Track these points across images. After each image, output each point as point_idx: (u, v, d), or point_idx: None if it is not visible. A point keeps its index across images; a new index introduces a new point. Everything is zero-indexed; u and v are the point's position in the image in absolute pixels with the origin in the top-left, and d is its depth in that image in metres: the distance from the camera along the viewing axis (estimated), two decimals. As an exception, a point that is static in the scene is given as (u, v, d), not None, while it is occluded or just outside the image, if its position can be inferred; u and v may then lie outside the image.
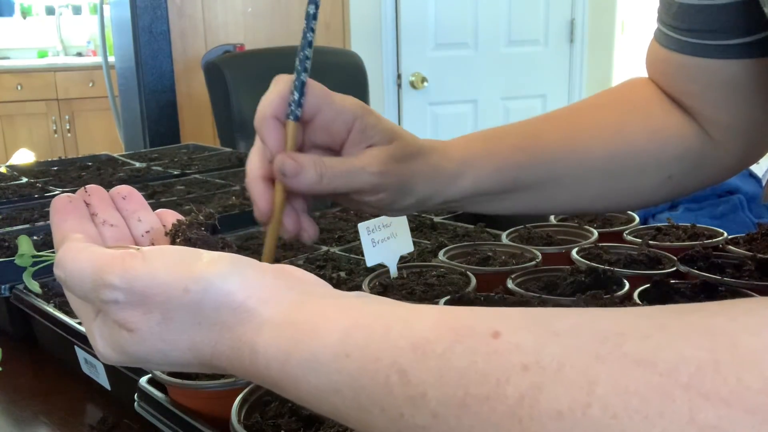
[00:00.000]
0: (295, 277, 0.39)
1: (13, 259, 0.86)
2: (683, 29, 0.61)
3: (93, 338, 0.41)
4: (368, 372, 0.32)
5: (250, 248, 0.95)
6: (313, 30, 0.55)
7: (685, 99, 0.65)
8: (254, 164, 0.56)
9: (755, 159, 0.68)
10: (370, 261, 0.74)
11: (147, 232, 0.48)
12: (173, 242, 0.47)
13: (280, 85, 0.55)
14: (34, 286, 0.53)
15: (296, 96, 0.54)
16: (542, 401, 0.27)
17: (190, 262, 0.38)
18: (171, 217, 0.50)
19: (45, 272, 0.85)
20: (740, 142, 0.65)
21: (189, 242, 0.47)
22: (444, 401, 0.29)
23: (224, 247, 0.47)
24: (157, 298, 0.37)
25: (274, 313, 0.36)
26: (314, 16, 0.54)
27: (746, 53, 0.59)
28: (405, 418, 0.30)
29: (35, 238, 0.99)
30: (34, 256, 0.49)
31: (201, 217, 0.50)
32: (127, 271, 0.37)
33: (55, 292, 0.83)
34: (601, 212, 0.70)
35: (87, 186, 0.48)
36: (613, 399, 0.25)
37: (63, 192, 1.23)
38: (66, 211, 0.45)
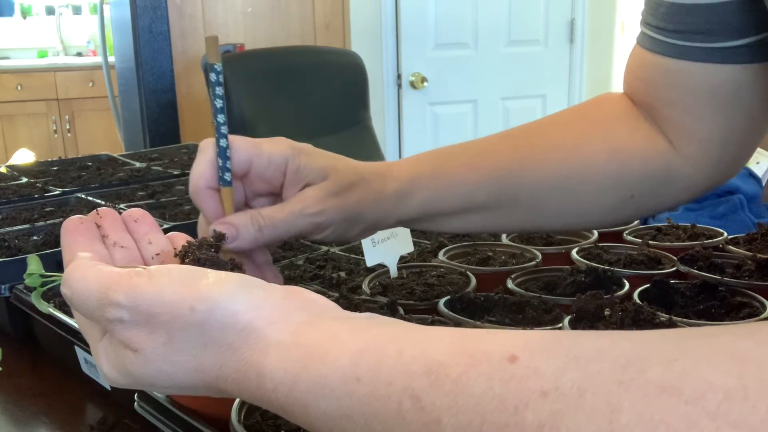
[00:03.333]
0: (305, 298, 0.38)
1: (13, 259, 0.86)
2: (670, 30, 0.60)
3: (99, 360, 0.41)
4: (380, 397, 0.31)
5: (250, 248, 0.95)
6: (221, 97, 0.55)
7: (663, 108, 0.64)
8: (198, 173, 0.56)
9: (727, 177, 0.67)
10: (370, 261, 0.74)
11: (157, 254, 0.48)
12: (182, 263, 0.47)
13: (207, 152, 0.56)
14: (44, 306, 0.52)
15: (221, 162, 0.55)
16: (563, 430, 0.26)
17: (196, 281, 0.37)
18: (181, 239, 0.50)
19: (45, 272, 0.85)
20: (713, 157, 0.64)
21: (198, 263, 0.46)
22: (460, 428, 0.28)
23: (233, 268, 0.47)
24: (162, 317, 0.36)
25: (282, 335, 0.35)
26: (218, 83, 0.55)
27: (732, 58, 0.58)
28: None
29: (35, 238, 0.99)
30: (42, 276, 0.49)
31: (210, 239, 0.51)
32: (133, 289, 0.37)
33: (55, 293, 0.83)
34: (562, 230, 0.69)
35: (99, 209, 0.48)
36: (638, 429, 0.24)
37: (63, 192, 1.24)
38: (77, 232, 0.45)
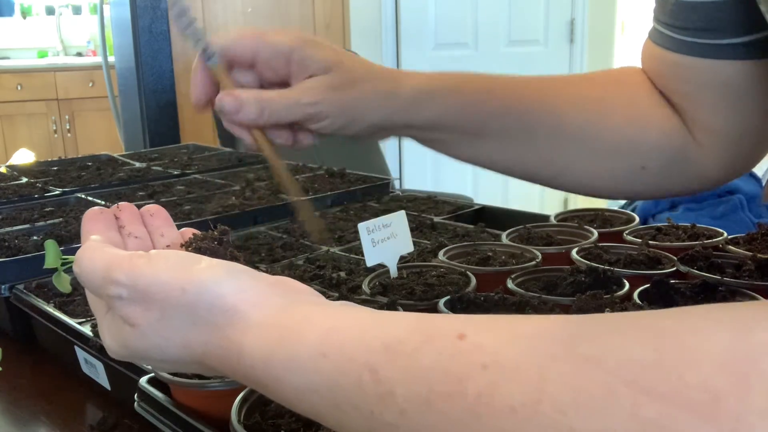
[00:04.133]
0: (289, 287, 0.41)
1: (14, 259, 0.86)
2: (678, 27, 0.60)
3: (102, 332, 0.44)
4: (343, 371, 0.33)
5: (250, 248, 0.95)
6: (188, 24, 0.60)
7: (679, 100, 0.64)
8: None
9: (741, 171, 0.67)
10: (370, 261, 0.74)
11: (168, 246, 0.51)
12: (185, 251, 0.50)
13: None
14: (64, 285, 0.57)
15: (201, 49, 0.59)
16: (497, 398, 0.28)
17: (189, 265, 0.40)
18: (191, 234, 0.53)
19: (45, 272, 0.85)
20: (729, 151, 0.64)
21: (198, 251, 0.49)
22: (410, 398, 0.31)
23: (232, 258, 0.49)
24: (157, 296, 0.39)
25: (262, 317, 0.37)
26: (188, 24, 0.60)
27: (741, 54, 0.58)
28: (375, 416, 0.32)
29: (35, 238, 0.99)
30: (61, 259, 0.54)
31: (215, 233, 0.54)
32: (132, 270, 0.40)
33: (55, 292, 0.83)
34: (571, 188, 0.70)
35: (120, 203, 0.52)
36: (562, 396, 0.27)
37: (63, 192, 1.24)
38: (96, 220, 0.49)
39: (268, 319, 0.37)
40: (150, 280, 0.39)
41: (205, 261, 0.41)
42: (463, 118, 0.63)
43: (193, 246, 0.50)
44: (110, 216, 0.50)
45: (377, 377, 0.32)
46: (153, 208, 0.53)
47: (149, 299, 0.39)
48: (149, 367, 0.52)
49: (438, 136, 0.65)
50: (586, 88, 0.66)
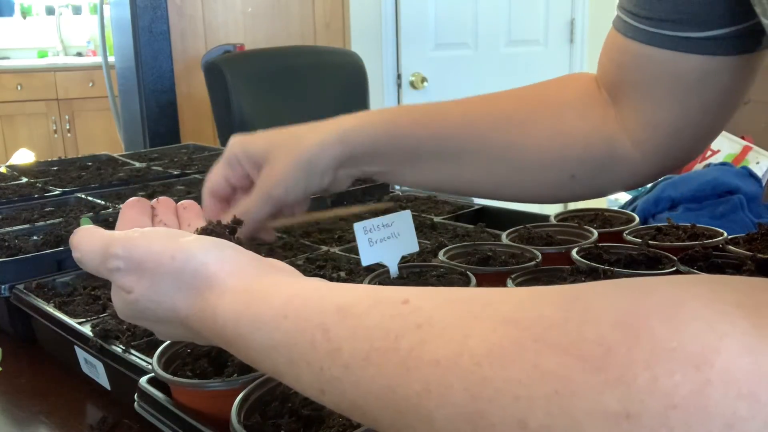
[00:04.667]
0: (269, 263, 0.45)
1: (14, 259, 0.86)
2: (643, 17, 0.61)
3: (113, 298, 0.49)
4: (300, 330, 0.37)
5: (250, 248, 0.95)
6: None
7: (628, 90, 0.65)
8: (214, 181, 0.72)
9: (675, 167, 0.69)
10: (366, 261, 0.74)
11: None
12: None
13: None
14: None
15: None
16: (425, 352, 0.32)
17: (179, 237, 0.45)
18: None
19: (45, 272, 0.85)
20: (663, 144, 0.66)
21: (204, 232, 0.55)
22: (354, 354, 0.34)
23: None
24: (149, 265, 0.44)
25: (237, 283, 0.42)
26: None
27: (699, 48, 0.59)
28: (323, 371, 0.35)
29: (35, 238, 0.99)
30: None
31: (228, 222, 0.59)
32: (128, 242, 0.45)
33: (55, 293, 0.83)
34: (515, 199, 0.77)
35: (160, 197, 0.60)
36: (479, 350, 0.30)
37: (63, 192, 1.24)
38: (133, 206, 0.56)
39: (241, 286, 0.41)
40: (144, 250, 0.44)
41: (194, 235, 0.46)
42: (394, 146, 0.70)
43: (201, 230, 0.56)
44: (147, 205, 0.57)
45: (328, 336, 0.36)
46: (187, 203, 0.61)
47: (142, 268, 0.44)
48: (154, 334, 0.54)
49: (378, 168, 0.72)
50: (510, 110, 0.70)
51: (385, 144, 0.70)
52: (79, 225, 0.68)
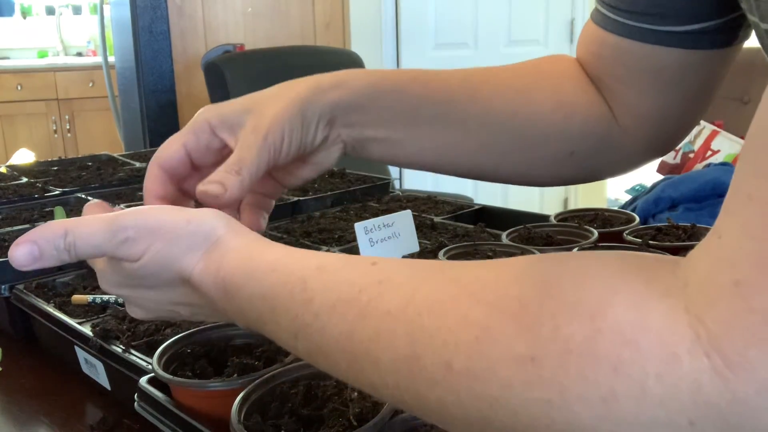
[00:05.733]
0: (269, 238, 0.50)
1: (13, 259, 0.86)
2: (622, 10, 0.61)
3: (103, 285, 0.51)
4: (283, 283, 0.42)
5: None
6: None
7: (610, 81, 0.66)
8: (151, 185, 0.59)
9: (661, 152, 0.70)
10: (367, 260, 0.74)
11: None
12: None
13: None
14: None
15: None
16: (380, 304, 0.37)
17: (183, 209, 0.49)
18: None
19: (45, 272, 0.85)
20: (649, 132, 0.66)
21: None
22: (323, 303, 0.39)
23: None
24: (164, 228, 0.46)
25: (238, 246, 0.46)
26: None
27: (679, 43, 0.59)
28: (298, 318, 0.40)
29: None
30: None
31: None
32: (138, 213, 0.47)
33: (55, 292, 0.83)
34: (510, 177, 0.70)
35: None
36: (423, 302, 0.35)
37: (63, 192, 1.24)
38: (94, 207, 0.52)
39: (242, 247, 0.46)
40: (156, 218, 0.47)
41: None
42: (394, 100, 0.63)
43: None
44: (108, 206, 0.54)
45: (305, 287, 0.41)
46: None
47: (156, 232, 0.46)
48: (136, 313, 0.52)
49: (375, 131, 0.63)
50: (510, 79, 0.68)
51: (384, 96, 0.62)
52: (52, 215, 0.68)
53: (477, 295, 0.34)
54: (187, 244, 0.46)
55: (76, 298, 0.78)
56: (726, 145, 2.12)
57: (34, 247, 0.46)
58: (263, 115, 0.58)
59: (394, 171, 2.68)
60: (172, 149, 0.58)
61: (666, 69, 0.62)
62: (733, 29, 0.59)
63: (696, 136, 2.13)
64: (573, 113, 0.66)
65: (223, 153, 0.58)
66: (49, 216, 1.10)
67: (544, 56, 0.72)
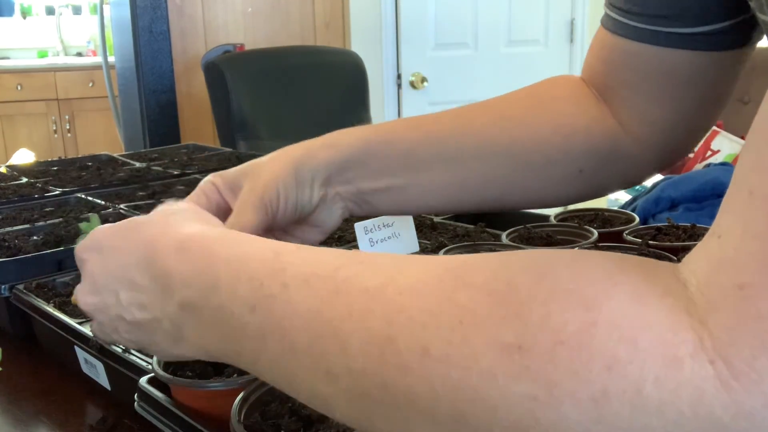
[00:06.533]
0: None
1: (14, 259, 0.86)
2: (634, 13, 0.61)
3: (80, 298, 0.50)
4: (257, 248, 0.41)
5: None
6: None
7: (620, 89, 0.65)
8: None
9: (675, 159, 0.69)
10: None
11: None
12: None
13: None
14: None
15: None
16: (358, 282, 0.35)
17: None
18: None
19: (45, 272, 0.85)
20: (661, 140, 0.65)
21: None
22: (295, 275, 0.37)
23: None
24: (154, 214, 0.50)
25: (224, 232, 0.46)
26: None
27: (690, 44, 0.59)
28: (263, 287, 0.38)
29: (35, 237, 0.99)
30: None
31: None
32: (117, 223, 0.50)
33: (55, 292, 0.83)
34: (523, 203, 0.70)
35: None
36: (405, 282, 0.33)
37: (63, 192, 1.24)
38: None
39: (222, 229, 0.48)
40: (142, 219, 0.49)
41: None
42: (387, 150, 0.63)
43: None
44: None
45: (278, 257, 0.39)
46: None
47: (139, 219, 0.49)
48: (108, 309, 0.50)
49: (374, 182, 0.63)
50: (504, 108, 0.67)
51: (377, 148, 0.63)
52: (89, 221, 0.68)
53: (464, 278, 0.32)
54: (194, 215, 0.50)
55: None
56: (726, 145, 2.12)
57: None
58: (259, 177, 0.61)
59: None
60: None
61: (677, 72, 0.61)
62: (745, 30, 0.58)
63: (696, 136, 2.12)
64: (574, 133, 0.65)
65: (230, 214, 0.62)
66: (50, 216, 1.10)
67: (540, 81, 0.71)
